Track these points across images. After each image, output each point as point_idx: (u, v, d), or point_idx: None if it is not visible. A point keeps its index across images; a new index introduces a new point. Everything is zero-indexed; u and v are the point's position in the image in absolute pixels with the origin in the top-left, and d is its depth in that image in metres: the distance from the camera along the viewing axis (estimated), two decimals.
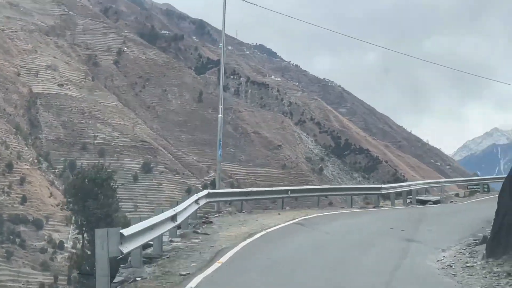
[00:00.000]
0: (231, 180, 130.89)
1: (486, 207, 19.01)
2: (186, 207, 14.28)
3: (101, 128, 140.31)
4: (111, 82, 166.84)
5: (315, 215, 20.20)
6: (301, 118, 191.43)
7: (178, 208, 13.18)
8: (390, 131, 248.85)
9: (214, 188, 25.24)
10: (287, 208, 23.83)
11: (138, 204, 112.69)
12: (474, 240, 13.10)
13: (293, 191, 24.76)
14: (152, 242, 11.51)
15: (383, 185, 27.08)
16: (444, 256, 11.83)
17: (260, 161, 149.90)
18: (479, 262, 10.72)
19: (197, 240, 13.73)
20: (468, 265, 10.78)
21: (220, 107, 23.56)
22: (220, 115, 23.19)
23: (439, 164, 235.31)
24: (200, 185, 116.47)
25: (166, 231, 12.30)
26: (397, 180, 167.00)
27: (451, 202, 27.68)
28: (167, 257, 11.50)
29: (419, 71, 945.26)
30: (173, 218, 12.27)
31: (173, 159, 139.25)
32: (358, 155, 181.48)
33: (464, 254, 11.83)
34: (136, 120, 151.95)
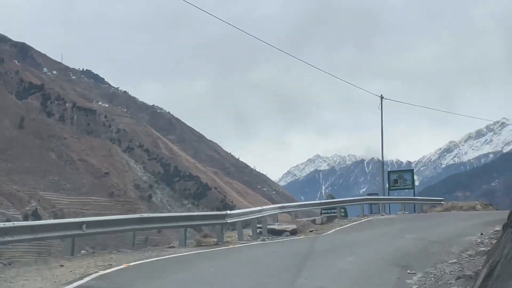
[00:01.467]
0: (54, 210, 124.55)
1: (368, 240, 16.93)
2: None
3: None
4: None
5: (123, 265, 12.63)
6: (129, 145, 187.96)
7: None
8: (219, 157, 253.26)
9: (37, 219, 22.65)
10: (83, 252, 17.26)
11: None
12: None
13: (91, 224, 15.27)
14: None
15: (228, 212, 20.20)
16: None
17: (86, 189, 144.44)
18: None
19: None
20: None
21: None
22: None
23: (265, 189, 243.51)
24: (21, 216, 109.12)
25: None
26: (226, 206, 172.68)
27: (310, 231, 22.10)
28: None
29: (247, 99, 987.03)
30: None
31: None
32: (187, 181, 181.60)
33: None
34: None
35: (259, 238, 20.83)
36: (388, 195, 34.98)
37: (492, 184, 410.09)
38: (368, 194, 34.02)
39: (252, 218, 21.23)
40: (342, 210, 29.76)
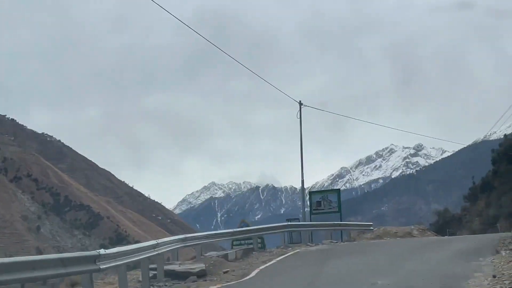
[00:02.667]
0: None
1: None
2: None
3: None
4: None
5: None
6: (16, 175, 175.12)
7: None
8: (112, 186, 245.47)
9: None
10: None
11: None
12: None
13: None
14: None
15: (102, 252, 12.04)
16: None
17: None
18: None
19: None
20: None
21: None
22: None
23: (160, 218, 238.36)
24: None
25: None
26: (120, 237, 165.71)
27: (225, 272, 16.35)
28: None
29: (140, 127, 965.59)
30: None
31: None
32: (78, 211, 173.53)
33: None
34: None
35: (152, 286, 14.39)
36: (310, 220, 29.66)
37: (382, 208, 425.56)
38: (287, 220, 28.09)
39: (143, 258, 14.02)
40: (259, 240, 24.58)
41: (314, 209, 30.07)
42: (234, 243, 24.92)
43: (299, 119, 30.22)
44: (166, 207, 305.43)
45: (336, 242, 25.96)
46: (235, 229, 23.91)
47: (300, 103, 30.25)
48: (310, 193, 31.81)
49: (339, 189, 35.31)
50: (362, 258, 16.33)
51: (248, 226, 26.30)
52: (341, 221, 29.30)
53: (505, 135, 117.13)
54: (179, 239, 17.97)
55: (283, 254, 20.13)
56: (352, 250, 20.38)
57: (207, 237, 20.46)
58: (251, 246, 22.87)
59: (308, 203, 30.57)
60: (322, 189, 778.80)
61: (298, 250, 21.47)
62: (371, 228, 29.76)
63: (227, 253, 20.20)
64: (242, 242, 24.45)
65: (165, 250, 16.15)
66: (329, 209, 29.74)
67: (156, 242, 15.22)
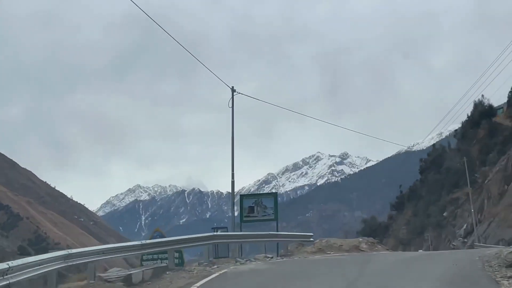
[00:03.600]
0: None
1: None
2: None
3: None
4: None
5: None
6: None
7: None
8: (33, 186, 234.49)
9: None
10: None
11: None
12: None
13: None
14: None
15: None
16: None
17: None
18: None
19: None
20: None
21: None
22: None
23: (83, 220, 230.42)
24: None
25: None
26: (39, 238, 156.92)
27: None
28: None
29: (65, 127, 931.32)
30: None
31: None
32: None
33: None
34: None
35: None
36: (240, 229, 24.76)
37: (307, 215, 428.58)
38: (213, 229, 22.93)
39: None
40: (177, 254, 19.53)
41: (245, 216, 24.87)
42: (144, 257, 19.77)
43: (230, 108, 25.43)
44: (89, 208, 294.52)
45: (272, 258, 21.27)
46: (145, 241, 18.12)
47: (233, 89, 25.59)
48: (242, 196, 26.26)
49: (276, 192, 28.91)
50: (311, 283, 11.76)
51: (163, 236, 20.78)
52: (278, 231, 24.63)
53: (433, 145, 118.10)
54: (58, 256, 12.42)
55: (206, 276, 15.26)
56: (295, 271, 15.81)
57: (103, 252, 14.79)
58: (165, 263, 17.96)
59: (239, 208, 25.76)
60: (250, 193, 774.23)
61: (225, 270, 16.65)
62: (312, 239, 25.27)
63: (131, 273, 15.10)
64: (155, 257, 19.66)
65: (26, 276, 10.62)
66: (264, 216, 24.56)
67: (8, 265, 9.95)
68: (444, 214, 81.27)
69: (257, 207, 24.24)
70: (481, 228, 63.21)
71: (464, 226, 71.63)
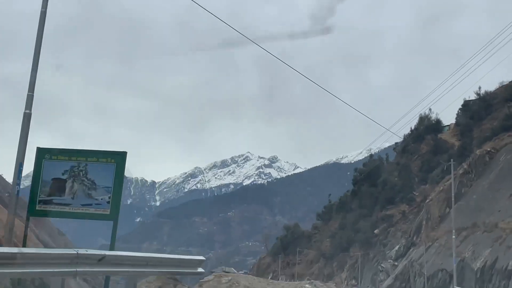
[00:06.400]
0: None
1: None
2: None
3: None
4: None
5: None
6: None
7: None
8: None
9: None
10: None
11: None
12: None
13: None
14: None
15: None
16: None
17: None
18: None
19: None
20: None
21: None
22: None
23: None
24: None
25: None
26: None
27: None
28: None
29: None
30: None
31: None
32: None
33: None
34: None
35: None
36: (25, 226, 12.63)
37: (229, 213, 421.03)
38: None
39: None
40: None
41: (41, 200, 13.10)
42: None
43: None
44: (7, 180, 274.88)
45: None
46: None
47: None
48: (41, 150, 13.53)
49: (124, 152, 13.71)
50: None
51: None
52: (113, 248, 12.38)
53: (370, 155, 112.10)
54: None
55: None
56: None
57: None
58: None
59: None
60: (173, 185, 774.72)
61: None
62: (200, 270, 12.34)
63: None
64: None
65: None
66: (87, 207, 12.65)
67: None
68: (376, 231, 74.30)
69: (75, 183, 12.76)
70: (417, 252, 56.29)
71: (396, 248, 65.00)
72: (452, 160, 48.17)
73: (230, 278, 14.81)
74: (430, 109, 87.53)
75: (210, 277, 14.38)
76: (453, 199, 47.71)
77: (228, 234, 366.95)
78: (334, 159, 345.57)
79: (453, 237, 44.44)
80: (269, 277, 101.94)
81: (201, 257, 12.58)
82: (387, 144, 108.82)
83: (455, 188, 60.79)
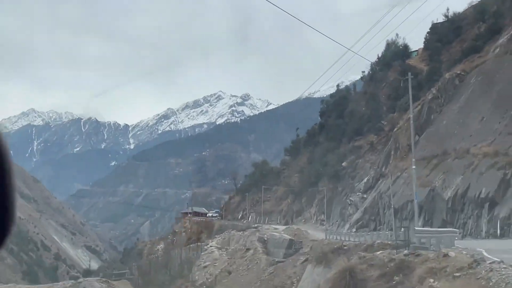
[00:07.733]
0: None
1: None
2: None
3: None
4: None
5: None
6: None
7: None
8: None
9: None
10: None
11: None
12: None
13: None
14: None
15: None
16: None
17: None
18: None
19: None
20: None
21: None
22: None
23: None
24: None
25: None
26: None
27: None
28: None
29: None
30: None
31: None
32: None
33: None
34: None
35: None
36: None
37: (203, 153, 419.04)
38: None
39: None
40: None
41: None
42: None
43: None
44: None
45: None
46: None
47: None
48: None
49: None
50: None
51: None
52: None
53: (337, 85, 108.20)
54: None
55: None
56: None
57: None
58: None
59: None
60: (146, 127, 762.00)
61: None
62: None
63: None
64: None
65: None
66: None
67: None
68: (343, 164, 71.27)
69: None
70: (386, 184, 53.47)
71: (365, 180, 62.20)
72: (409, 74, 44.36)
73: None
74: (397, 34, 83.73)
75: None
76: (411, 121, 44.48)
77: (204, 174, 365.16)
78: (306, 94, 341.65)
79: (413, 167, 41.30)
80: (239, 216, 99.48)
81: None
82: (358, 77, 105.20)
83: (424, 115, 57.51)
